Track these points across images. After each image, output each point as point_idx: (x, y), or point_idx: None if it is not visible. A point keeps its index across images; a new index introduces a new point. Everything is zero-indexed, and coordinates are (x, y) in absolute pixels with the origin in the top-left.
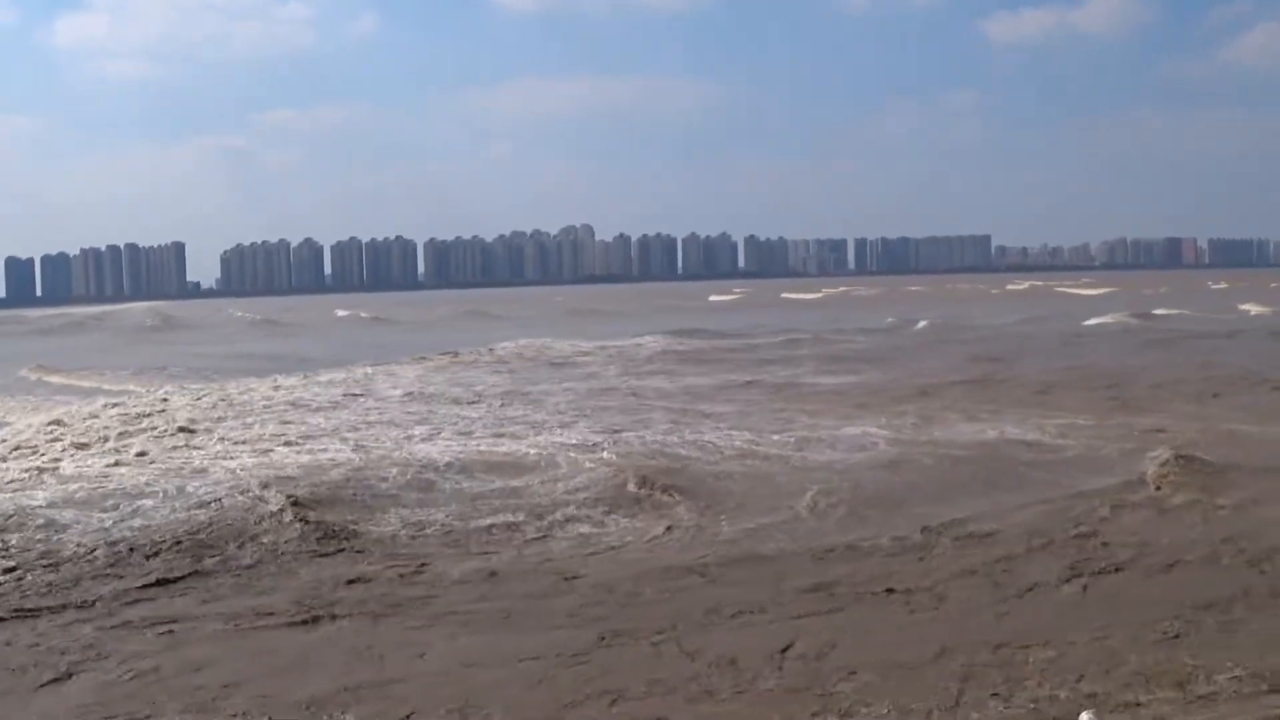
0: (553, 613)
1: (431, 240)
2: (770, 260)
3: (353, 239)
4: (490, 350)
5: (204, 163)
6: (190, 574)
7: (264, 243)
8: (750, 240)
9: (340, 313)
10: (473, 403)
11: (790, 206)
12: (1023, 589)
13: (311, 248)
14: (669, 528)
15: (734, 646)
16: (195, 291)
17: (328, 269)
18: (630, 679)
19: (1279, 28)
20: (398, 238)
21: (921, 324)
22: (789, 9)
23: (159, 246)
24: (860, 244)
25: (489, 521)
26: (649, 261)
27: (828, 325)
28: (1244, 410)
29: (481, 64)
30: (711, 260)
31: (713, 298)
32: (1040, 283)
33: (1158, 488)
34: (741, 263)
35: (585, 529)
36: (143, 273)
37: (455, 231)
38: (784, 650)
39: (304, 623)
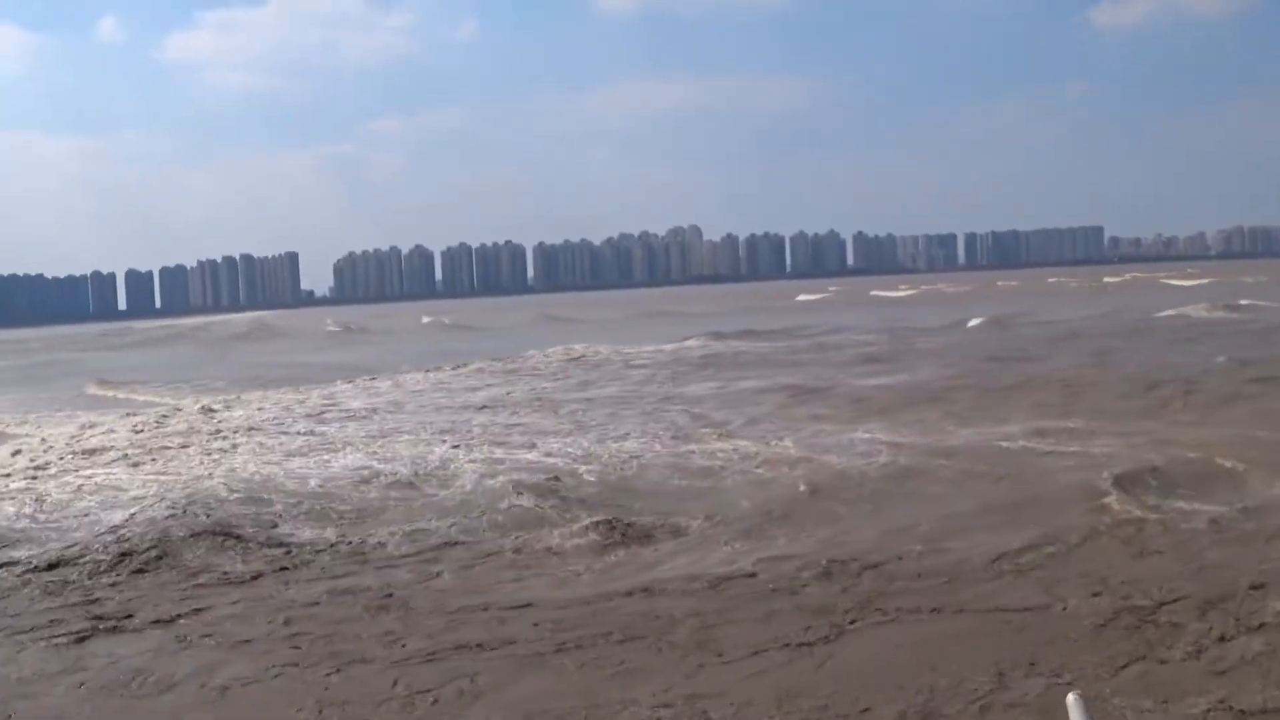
0: None
1: (540, 244)
2: (879, 257)
3: (462, 244)
4: (518, 358)
5: (314, 172)
6: None
7: (375, 250)
8: (859, 237)
9: (425, 319)
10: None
11: (898, 202)
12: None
13: (422, 254)
14: None
15: None
16: (309, 300)
17: (438, 275)
18: None
19: None
20: (507, 242)
21: (974, 321)
22: (886, 3)
23: (273, 257)
24: (970, 238)
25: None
26: (757, 261)
27: (887, 324)
28: (1191, 415)
29: (582, 66)
30: (820, 258)
31: (800, 297)
32: (1142, 274)
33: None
34: (850, 260)
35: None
36: (258, 282)
37: (563, 235)
38: None
39: None
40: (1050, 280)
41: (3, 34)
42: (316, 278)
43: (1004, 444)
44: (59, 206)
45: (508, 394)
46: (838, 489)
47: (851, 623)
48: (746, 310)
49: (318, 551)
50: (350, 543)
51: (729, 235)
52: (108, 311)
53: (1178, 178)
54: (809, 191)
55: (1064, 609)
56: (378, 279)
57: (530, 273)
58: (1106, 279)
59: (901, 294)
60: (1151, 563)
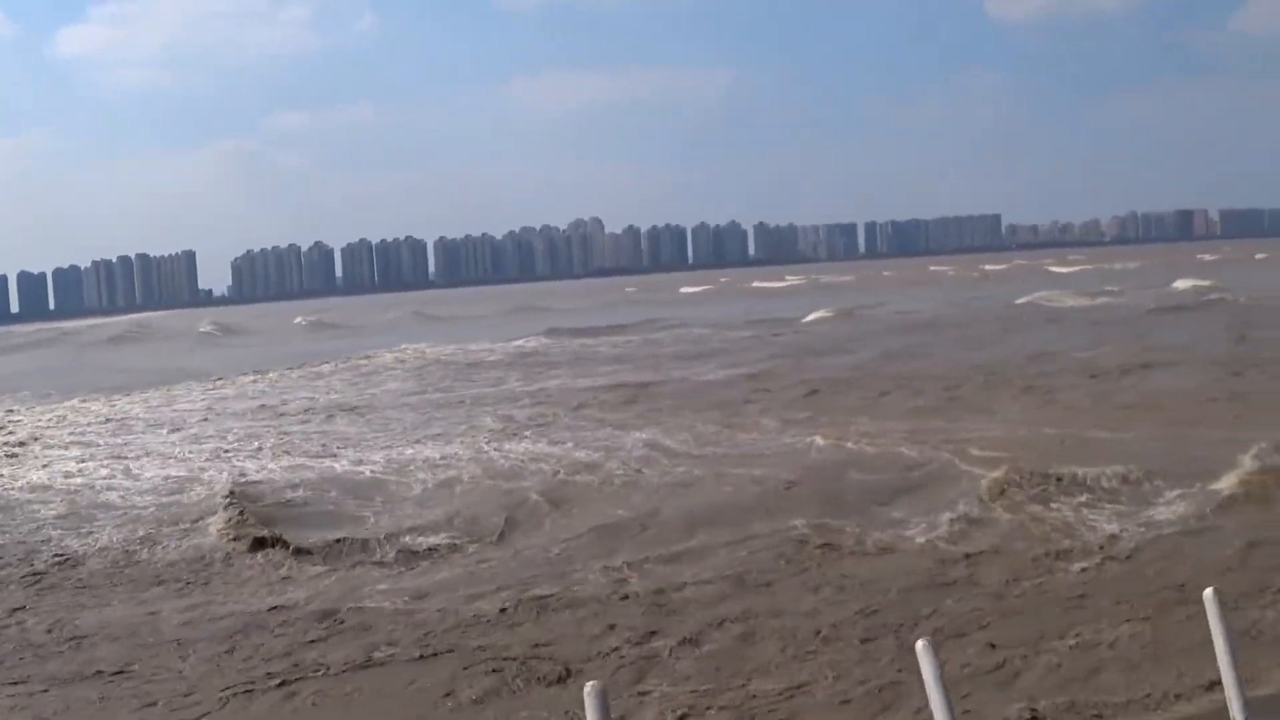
0: None
1: (441, 239)
2: (780, 247)
3: (363, 240)
4: (359, 359)
5: (214, 169)
6: None
7: (274, 248)
8: (760, 228)
9: (299, 320)
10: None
11: (799, 193)
12: None
13: (322, 251)
14: None
15: None
16: (208, 299)
17: (339, 272)
18: None
19: None
20: (407, 238)
21: (816, 315)
22: None
23: (170, 255)
24: (870, 227)
25: None
26: (659, 253)
27: (743, 317)
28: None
29: (484, 59)
30: (721, 249)
31: (684, 289)
32: (1028, 261)
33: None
34: (752, 251)
35: None
36: (154, 282)
37: (465, 229)
38: None
39: None
40: (932, 269)
41: None
42: (215, 277)
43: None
44: None
45: (314, 400)
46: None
47: None
48: (617, 304)
49: None
50: None
51: (630, 227)
52: None
53: (1073, 166)
54: (712, 183)
55: None
56: (277, 277)
57: (432, 268)
58: (989, 266)
59: (782, 284)
60: None
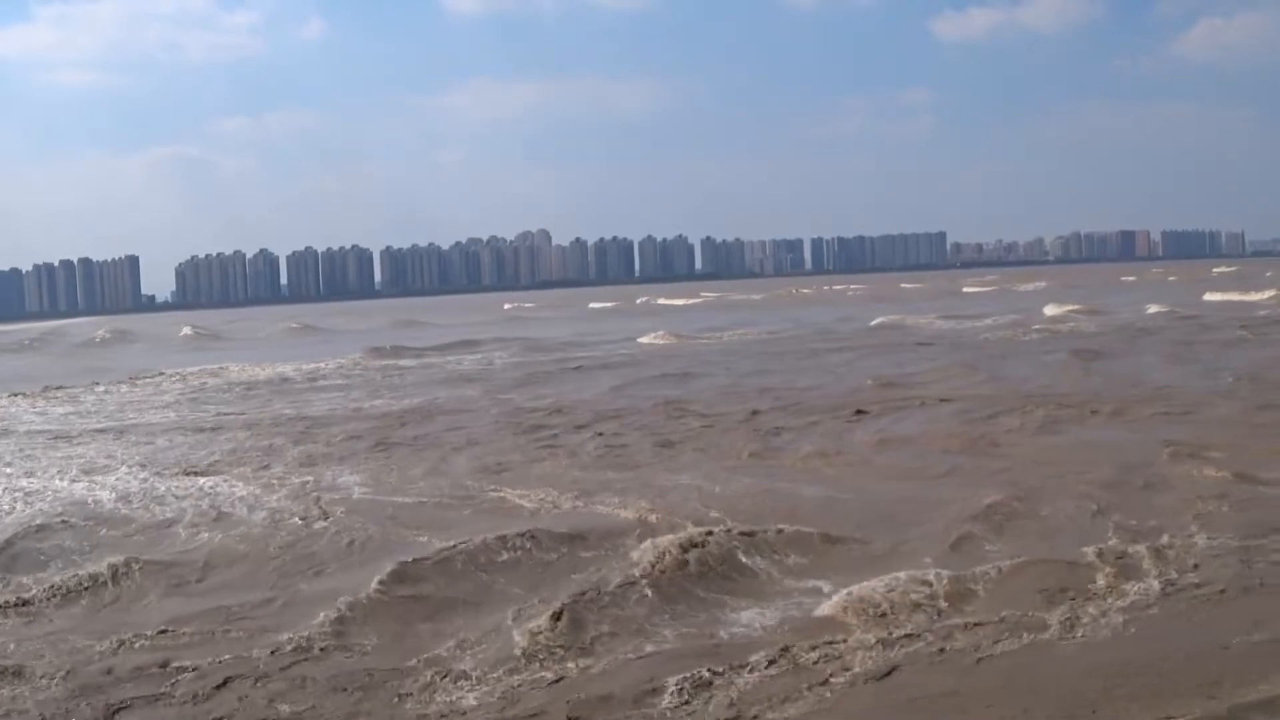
0: None
1: (388, 248)
2: (727, 261)
3: (308, 248)
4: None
5: (158, 173)
6: None
7: (219, 254)
8: (707, 242)
9: (186, 330)
10: None
11: (748, 207)
12: None
13: (267, 258)
14: None
15: None
16: (150, 305)
17: (284, 279)
18: None
19: (1222, 22)
20: (354, 247)
21: (648, 337)
22: (737, 8)
23: (113, 260)
24: (817, 244)
25: None
26: (606, 265)
27: (576, 339)
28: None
29: (430, 68)
30: (668, 263)
31: (592, 305)
32: (946, 281)
33: None
34: (699, 264)
35: None
36: (97, 287)
37: (412, 239)
38: None
39: None
40: (837, 288)
41: None
42: (159, 282)
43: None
44: None
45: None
46: None
47: None
48: (497, 322)
49: None
50: None
51: (578, 239)
52: None
53: (1019, 185)
54: (660, 196)
55: None
56: (221, 283)
57: (378, 277)
58: (904, 285)
59: (688, 302)
60: None
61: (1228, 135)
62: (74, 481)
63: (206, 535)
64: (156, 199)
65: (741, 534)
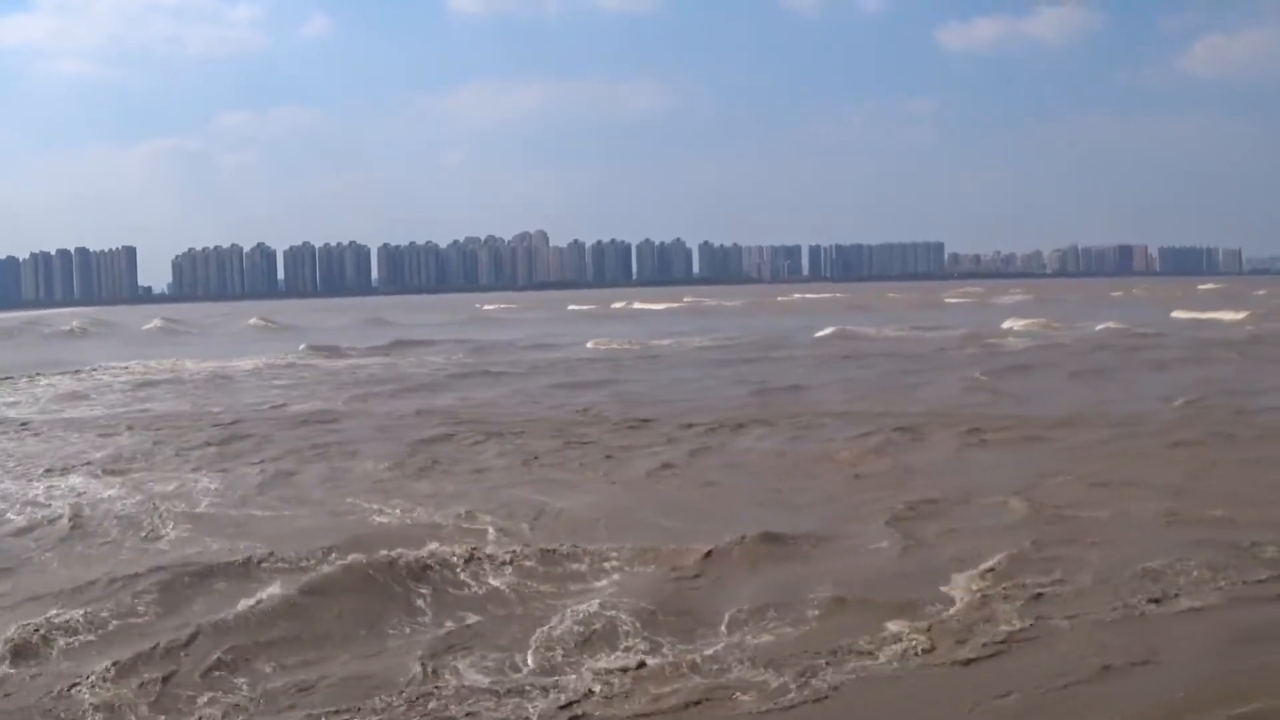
0: None
1: (385, 246)
2: (725, 266)
3: (306, 244)
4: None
5: (156, 166)
6: None
7: (216, 248)
8: (705, 246)
9: (154, 323)
10: None
11: (746, 212)
12: None
13: (264, 252)
14: None
15: None
16: (147, 296)
17: (281, 274)
18: None
19: (1225, 39)
20: (351, 243)
21: (593, 343)
22: (741, 12)
23: (110, 250)
24: (815, 250)
25: None
26: (604, 268)
27: (546, 341)
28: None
29: (433, 67)
30: (666, 266)
31: (571, 307)
32: (929, 293)
33: None
34: (697, 269)
35: None
36: (93, 277)
37: (410, 237)
38: None
39: None
40: (821, 296)
41: None
42: (155, 274)
43: None
44: None
45: None
46: None
47: None
48: (471, 321)
49: None
50: None
51: (575, 241)
52: None
53: (1019, 197)
54: (659, 199)
55: None
56: (218, 276)
57: (375, 274)
58: (891, 294)
59: (661, 306)
60: None
61: (1228, 151)
62: None
63: None
64: (156, 192)
65: None
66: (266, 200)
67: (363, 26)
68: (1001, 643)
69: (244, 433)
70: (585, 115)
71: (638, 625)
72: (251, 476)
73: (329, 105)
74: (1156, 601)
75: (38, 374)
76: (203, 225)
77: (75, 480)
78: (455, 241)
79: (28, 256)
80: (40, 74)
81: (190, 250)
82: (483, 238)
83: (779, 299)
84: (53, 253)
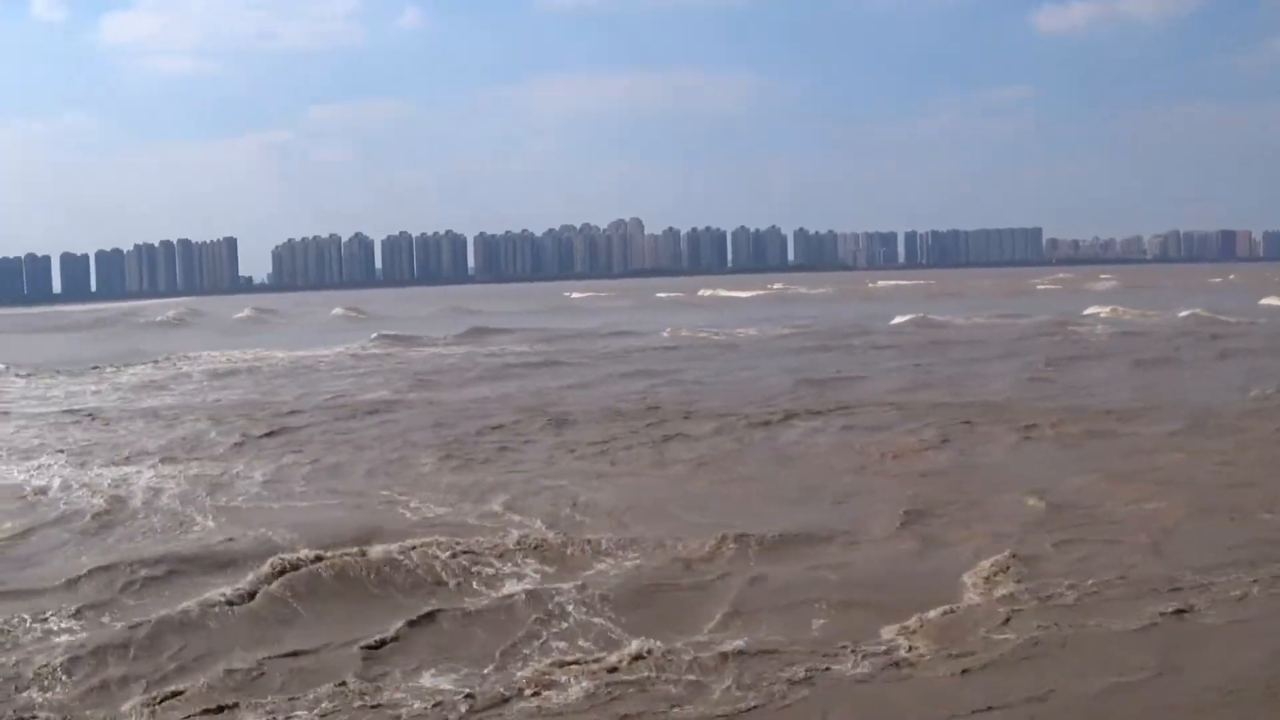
0: None
1: (481, 234)
2: (820, 253)
3: (403, 233)
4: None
5: (254, 158)
6: None
7: (315, 238)
8: (800, 233)
9: (246, 312)
10: None
11: (841, 200)
12: None
13: (362, 242)
14: None
15: None
16: (248, 286)
17: (379, 263)
18: None
19: None
20: (447, 232)
21: (665, 333)
22: (831, 2)
23: (211, 242)
24: (910, 237)
25: None
26: (699, 255)
27: (620, 329)
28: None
29: (525, 58)
30: (761, 253)
31: (659, 295)
32: (1023, 280)
33: None
34: (791, 256)
35: None
36: (196, 268)
37: (505, 226)
38: None
39: None
40: (914, 283)
41: None
42: (255, 264)
43: None
44: None
45: None
46: None
47: None
48: (553, 310)
49: None
50: None
51: (670, 229)
52: (42, 295)
53: (1116, 182)
54: (753, 188)
55: None
56: (317, 266)
57: (471, 263)
58: (982, 281)
59: (747, 294)
60: None
61: None
62: None
63: None
64: (254, 184)
65: None
66: (361, 191)
67: (453, 18)
68: (1014, 649)
69: (304, 423)
70: (678, 104)
71: (621, 619)
72: (300, 467)
73: (421, 95)
74: (1188, 611)
75: (125, 364)
76: (300, 216)
77: (124, 470)
78: (550, 229)
79: (132, 248)
80: (141, 70)
81: (289, 241)
82: (578, 225)
83: (869, 285)
84: (156, 244)
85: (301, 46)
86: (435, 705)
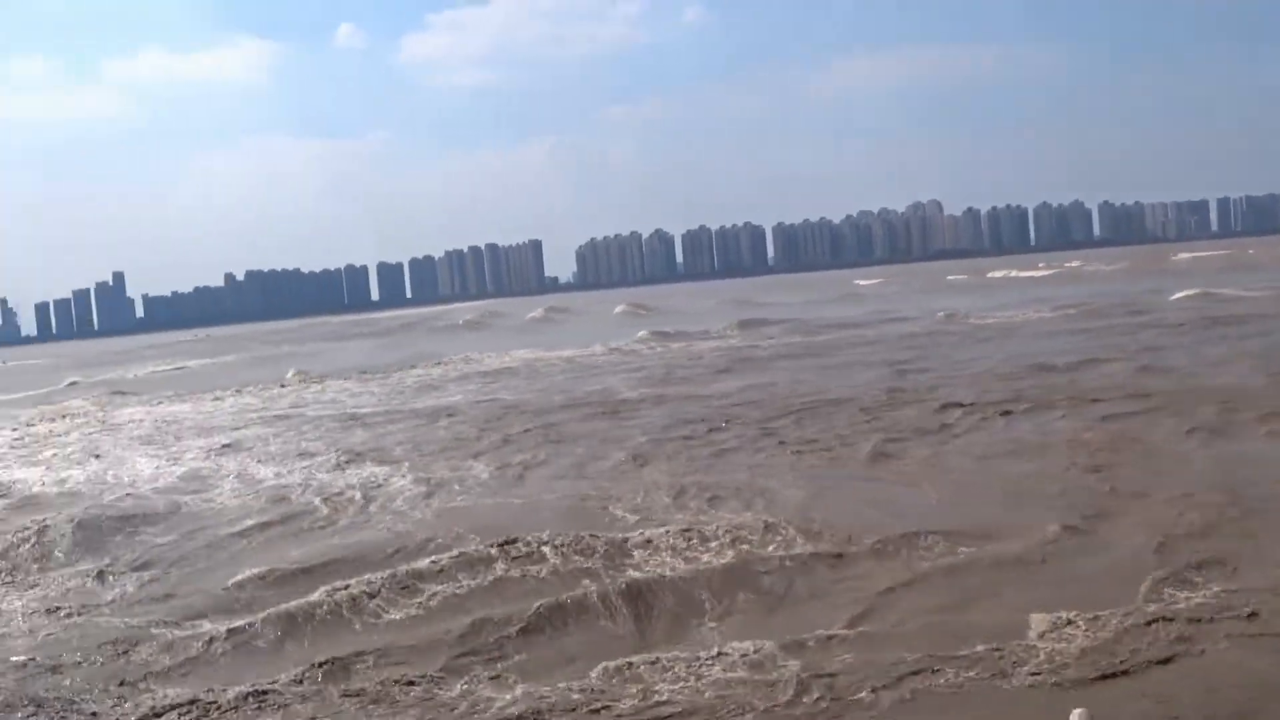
0: None
1: (779, 224)
2: (1127, 226)
3: (702, 227)
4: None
5: (550, 161)
6: None
7: (616, 236)
8: (1105, 206)
9: (538, 312)
10: None
11: (1147, 168)
12: None
13: (662, 238)
14: None
15: None
16: (553, 286)
17: (679, 257)
18: None
19: None
20: (745, 224)
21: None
22: None
23: (517, 245)
24: (1223, 203)
25: None
26: (999, 234)
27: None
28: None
29: (810, 40)
30: (1065, 229)
31: (949, 278)
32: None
33: None
34: (1097, 230)
35: None
36: (503, 271)
37: (803, 214)
38: None
39: None
40: (1215, 254)
41: (246, 45)
42: (561, 264)
43: None
44: (310, 205)
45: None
46: None
47: None
48: (827, 301)
49: None
50: None
51: (970, 209)
52: (362, 302)
53: None
54: (1055, 161)
55: None
56: (620, 263)
57: (770, 253)
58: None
59: (1039, 274)
60: None
61: None
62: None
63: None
64: (552, 186)
65: None
66: (656, 186)
67: (738, 6)
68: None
69: (550, 421)
70: (970, 80)
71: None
72: (520, 468)
73: (707, 89)
74: None
75: (412, 367)
76: (598, 215)
77: (347, 471)
78: (849, 216)
79: (442, 255)
80: (437, 85)
81: (591, 240)
82: (875, 210)
83: (1171, 258)
84: (465, 250)
85: (588, 50)
86: None
